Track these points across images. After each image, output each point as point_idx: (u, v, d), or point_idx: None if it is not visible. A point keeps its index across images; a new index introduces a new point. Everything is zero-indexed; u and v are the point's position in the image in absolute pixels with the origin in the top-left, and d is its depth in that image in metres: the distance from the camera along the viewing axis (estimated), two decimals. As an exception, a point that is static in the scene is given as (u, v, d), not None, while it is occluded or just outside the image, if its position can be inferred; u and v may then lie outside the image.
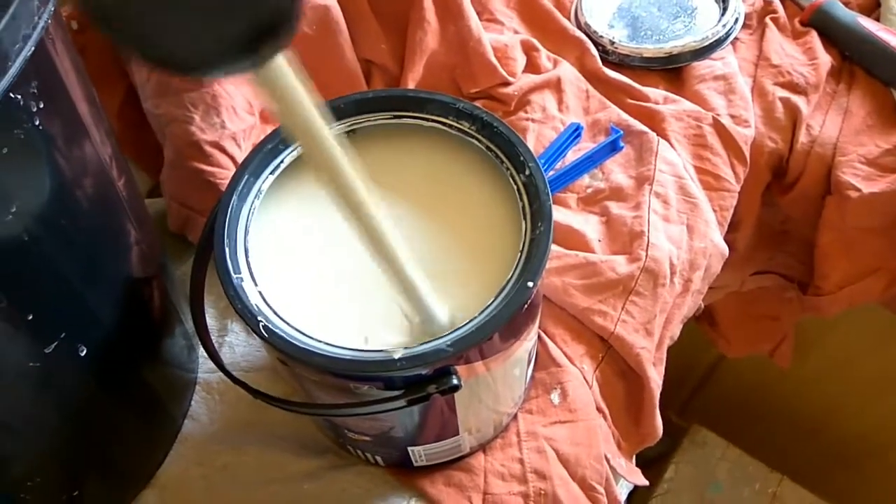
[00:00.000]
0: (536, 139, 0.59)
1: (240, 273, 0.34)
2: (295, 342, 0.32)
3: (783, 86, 0.62)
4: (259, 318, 0.32)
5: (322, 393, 0.36)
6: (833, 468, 1.07)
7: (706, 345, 0.89)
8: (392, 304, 0.36)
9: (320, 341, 0.33)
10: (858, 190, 0.58)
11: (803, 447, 1.07)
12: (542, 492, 0.44)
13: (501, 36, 0.64)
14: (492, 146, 0.39)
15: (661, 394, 0.53)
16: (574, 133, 0.59)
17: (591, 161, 0.57)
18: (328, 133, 0.26)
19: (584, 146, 0.59)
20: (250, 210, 0.37)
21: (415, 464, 0.44)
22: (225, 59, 0.21)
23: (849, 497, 1.03)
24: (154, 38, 0.20)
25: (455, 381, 0.33)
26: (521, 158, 0.37)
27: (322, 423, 0.46)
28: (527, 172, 0.37)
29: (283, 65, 0.23)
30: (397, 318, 0.36)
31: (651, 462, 1.13)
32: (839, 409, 1.01)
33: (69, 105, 0.33)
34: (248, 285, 0.34)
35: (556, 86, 0.62)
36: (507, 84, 0.61)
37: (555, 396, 0.48)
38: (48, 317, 0.32)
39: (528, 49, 0.64)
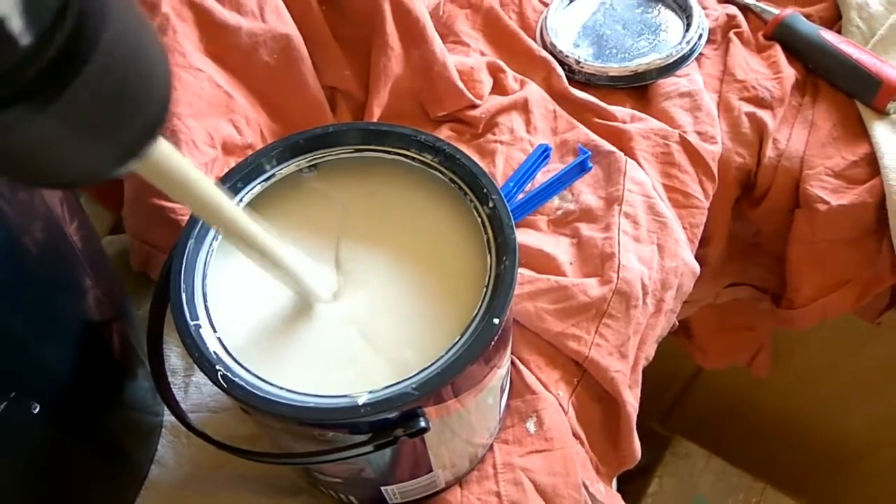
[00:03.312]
0: (505, 161, 0.58)
1: (197, 319, 0.33)
2: (255, 391, 0.31)
3: (749, 100, 0.62)
4: (217, 367, 0.31)
5: (288, 439, 0.35)
6: (815, 475, 1.07)
7: (686, 355, 0.89)
8: (358, 344, 0.35)
9: (282, 388, 0.31)
10: (827, 202, 0.59)
11: (785, 455, 1.07)
12: (521, 525, 0.44)
13: (467, 58, 0.64)
14: (455, 178, 0.38)
15: (643, 404, 0.52)
16: (542, 154, 0.58)
17: (560, 183, 0.57)
18: (219, 195, 0.29)
19: (553, 167, 0.58)
20: (208, 252, 0.36)
21: (389, 502, 0.43)
22: (111, 171, 0.22)
23: (832, 503, 1.03)
24: (44, 172, 0.21)
25: (423, 424, 0.32)
26: (485, 191, 0.36)
27: (293, 466, 0.44)
28: (490, 205, 0.36)
29: (160, 149, 0.24)
30: (363, 359, 0.35)
31: (634, 474, 1.12)
32: (819, 416, 1.01)
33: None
34: (206, 332, 0.33)
35: (524, 107, 0.61)
36: (474, 106, 0.61)
37: (530, 425, 0.47)
38: (-5, 376, 0.31)
39: (494, 71, 0.64)
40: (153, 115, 0.22)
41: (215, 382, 0.31)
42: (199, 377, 0.49)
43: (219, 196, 0.29)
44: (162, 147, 0.24)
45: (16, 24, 0.16)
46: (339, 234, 0.39)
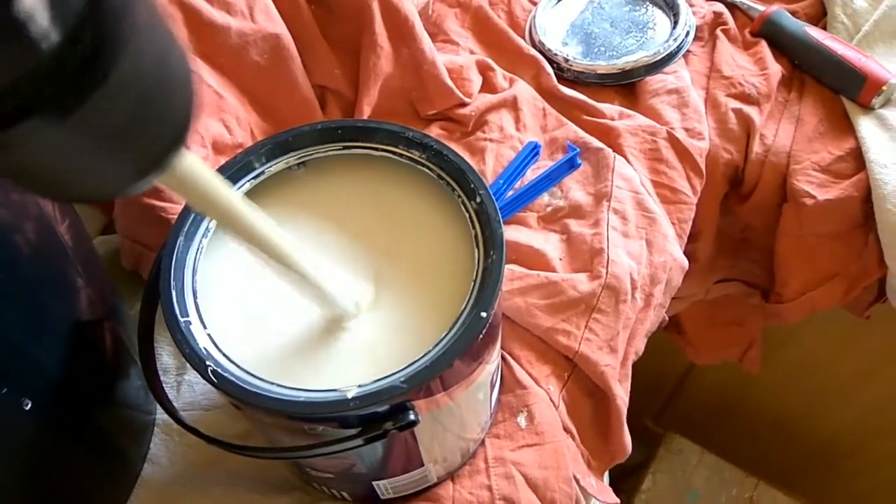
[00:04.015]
0: (495, 159, 0.59)
1: (187, 316, 0.33)
2: (245, 386, 0.31)
3: (735, 97, 0.63)
4: (208, 363, 0.32)
5: (278, 434, 0.36)
6: (807, 469, 1.08)
7: (678, 352, 0.89)
8: (345, 337, 0.36)
9: (272, 383, 0.32)
10: (813, 197, 0.59)
11: (777, 450, 1.08)
12: (512, 518, 0.44)
13: (457, 57, 0.65)
14: (443, 174, 0.38)
15: (637, 402, 0.53)
16: (532, 152, 0.59)
17: (549, 179, 0.57)
18: (244, 207, 0.28)
19: (543, 164, 0.59)
20: (198, 250, 0.36)
21: (382, 497, 0.44)
22: (134, 184, 0.21)
23: (824, 497, 1.04)
24: (70, 188, 0.20)
25: (412, 417, 0.32)
26: (472, 186, 0.37)
27: (286, 462, 0.45)
28: (478, 200, 0.36)
29: (186, 161, 0.23)
30: (351, 354, 0.35)
31: (629, 471, 1.13)
32: (811, 410, 1.02)
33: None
34: (196, 328, 0.33)
35: (513, 105, 0.62)
36: (463, 105, 0.62)
37: (521, 419, 0.48)
38: (-14, 373, 0.31)
39: (483, 69, 0.64)
40: (177, 124, 0.21)
41: (205, 377, 0.31)
42: (191, 376, 0.50)
43: (245, 209, 0.28)
44: (187, 158, 0.23)
45: (41, 24, 0.15)
46: (328, 230, 0.40)
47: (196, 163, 0.24)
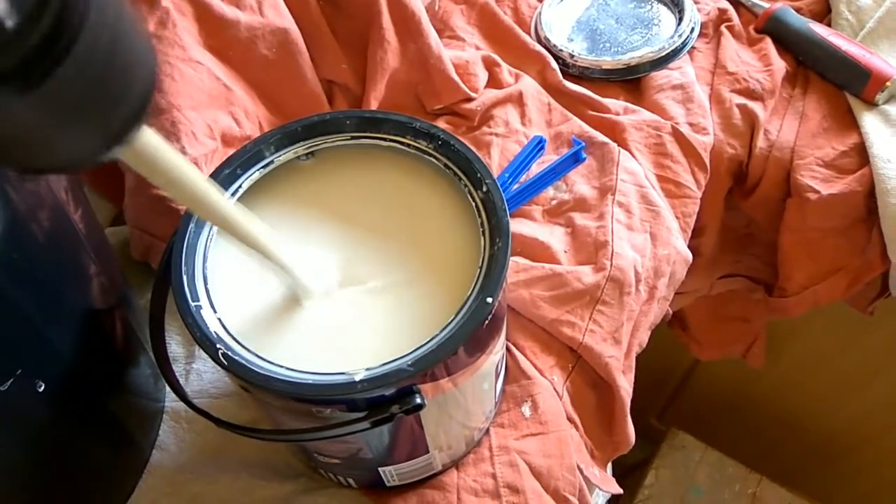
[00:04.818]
0: (501, 153, 0.59)
1: (198, 300, 0.34)
2: (255, 368, 0.32)
3: (740, 92, 0.63)
4: (218, 346, 0.32)
5: (286, 417, 0.36)
6: (811, 465, 1.08)
7: (683, 348, 0.90)
8: (354, 324, 0.36)
9: (281, 366, 0.32)
10: (817, 192, 0.59)
11: (780, 447, 1.08)
12: (516, 506, 0.44)
13: (463, 52, 0.65)
14: (450, 164, 0.39)
15: (641, 399, 0.53)
16: (537, 146, 0.59)
17: (554, 173, 0.58)
18: (206, 185, 0.29)
19: (548, 158, 0.59)
20: (209, 236, 0.37)
21: (387, 484, 0.44)
22: (96, 156, 0.22)
23: (827, 493, 1.04)
24: (28, 158, 0.21)
25: (419, 400, 0.33)
26: (479, 175, 0.37)
27: (292, 448, 0.45)
28: (484, 189, 0.37)
29: (146, 137, 0.24)
30: (359, 339, 0.36)
31: (632, 467, 1.13)
32: (815, 407, 1.02)
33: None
34: (206, 312, 0.34)
35: (519, 100, 0.62)
36: (469, 100, 0.62)
37: (526, 409, 0.48)
38: (2, 353, 0.31)
39: (489, 64, 0.65)
40: (137, 100, 0.22)
41: (216, 360, 0.32)
42: (200, 364, 0.50)
43: (206, 186, 0.29)
44: (147, 135, 0.24)
45: (2, 4, 0.16)
46: (337, 219, 0.40)
47: (157, 140, 0.25)
